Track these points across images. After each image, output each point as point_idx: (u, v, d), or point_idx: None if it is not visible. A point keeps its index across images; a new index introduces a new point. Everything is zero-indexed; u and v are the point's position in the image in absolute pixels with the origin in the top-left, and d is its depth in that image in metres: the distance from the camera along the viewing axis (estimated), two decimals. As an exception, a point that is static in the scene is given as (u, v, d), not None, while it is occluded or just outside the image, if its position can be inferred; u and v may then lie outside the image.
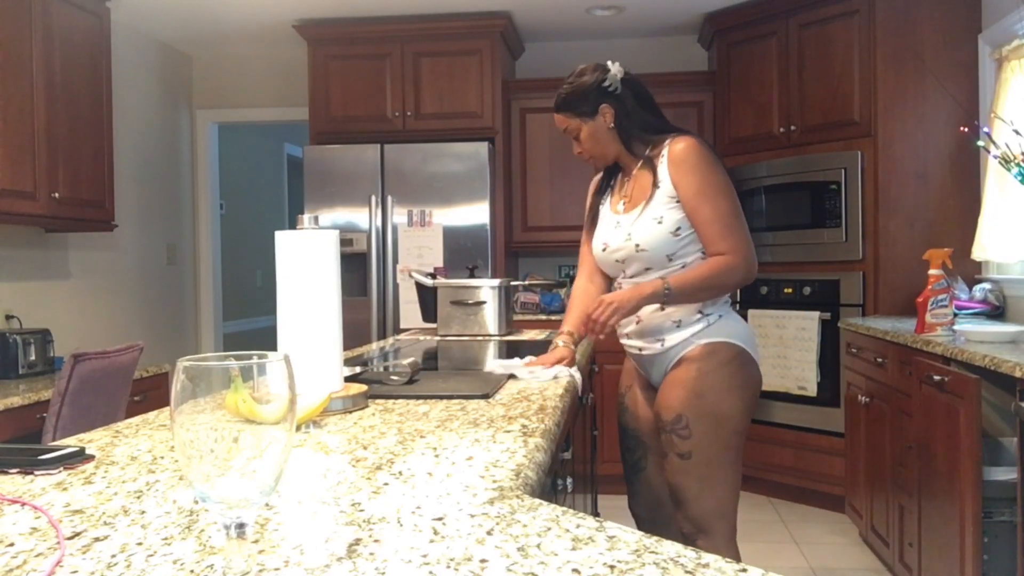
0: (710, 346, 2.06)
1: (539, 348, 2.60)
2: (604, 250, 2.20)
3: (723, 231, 2.01)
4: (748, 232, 2.06)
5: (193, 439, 0.65)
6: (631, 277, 2.15)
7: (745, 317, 4.35)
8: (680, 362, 2.09)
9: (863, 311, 3.93)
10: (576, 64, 2.26)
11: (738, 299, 4.47)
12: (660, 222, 2.06)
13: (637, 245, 2.09)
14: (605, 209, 2.25)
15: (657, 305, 2.07)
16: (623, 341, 2.25)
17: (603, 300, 2.02)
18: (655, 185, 2.08)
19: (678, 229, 2.05)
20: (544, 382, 1.89)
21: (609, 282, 2.34)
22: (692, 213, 2.03)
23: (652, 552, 0.76)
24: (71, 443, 1.25)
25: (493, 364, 2.11)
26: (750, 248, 2.04)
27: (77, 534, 0.84)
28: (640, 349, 2.19)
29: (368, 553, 0.77)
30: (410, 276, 3.33)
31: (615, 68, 2.15)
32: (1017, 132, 3.06)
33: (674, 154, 2.05)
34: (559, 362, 2.05)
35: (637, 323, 2.15)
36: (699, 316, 2.09)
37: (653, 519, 2.30)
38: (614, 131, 2.15)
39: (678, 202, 2.04)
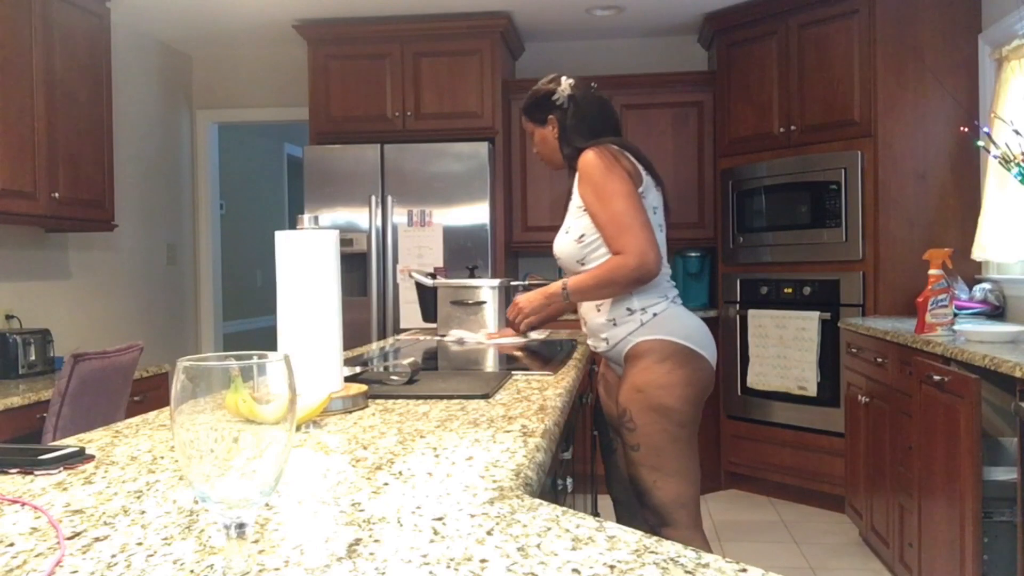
0: (645, 344, 2.18)
1: (539, 348, 2.60)
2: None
3: (615, 232, 2.12)
4: (646, 231, 2.12)
5: (193, 439, 0.65)
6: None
7: (745, 317, 4.36)
8: (626, 360, 2.23)
9: (863, 311, 3.93)
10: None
11: (738, 299, 4.47)
12: (567, 232, 2.26)
13: (556, 254, 2.32)
14: None
15: (594, 308, 2.26)
16: (587, 341, 2.43)
17: (515, 302, 2.35)
18: (572, 198, 2.27)
19: (582, 236, 2.21)
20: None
21: None
22: (593, 218, 2.18)
23: (652, 552, 0.76)
24: (71, 443, 1.25)
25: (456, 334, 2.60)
26: (645, 246, 2.10)
27: (77, 534, 0.84)
28: (595, 347, 2.35)
29: (368, 553, 0.77)
30: (410, 276, 3.33)
31: (565, 83, 2.33)
32: (1017, 132, 3.06)
33: (580, 168, 2.20)
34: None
35: (586, 324, 2.33)
36: (627, 313, 2.20)
37: (628, 500, 2.42)
38: (559, 141, 2.33)
39: (584, 211, 2.20)
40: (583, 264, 2.22)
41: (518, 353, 2.51)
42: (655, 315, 2.19)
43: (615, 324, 2.22)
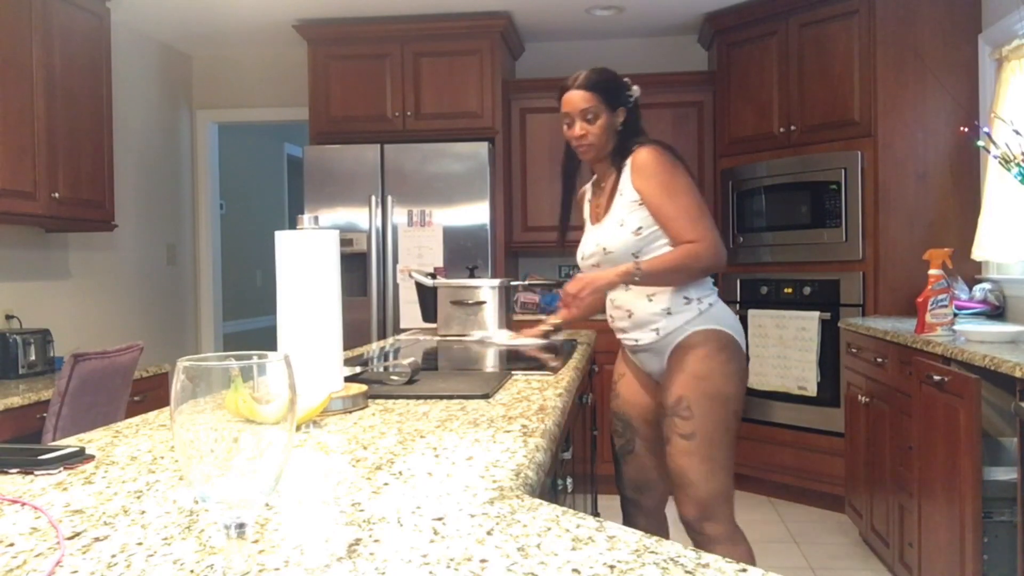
0: (705, 333, 2.21)
1: (539, 348, 2.60)
2: (582, 259, 2.38)
3: (687, 224, 2.16)
4: (713, 224, 2.21)
5: (193, 439, 0.65)
6: None
7: (745, 317, 4.36)
8: (678, 349, 2.23)
9: (863, 311, 3.93)
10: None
11: (738, 299, 4.47)
12: (622, 225, 2.23)
13: (604, 249, 2.27)
14: (587, 224, 2.44)
15: (645, 298, 2.25)
16: (620, 336, 2.38)
17: (578, 278, 2.23)
18: (618, 193, 2.26)
19: (639, 228, 2.22)
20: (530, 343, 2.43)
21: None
22: (657, 213, 2.19)
23: (652, 552, 0.76)
24: (71, 443, 1.25)
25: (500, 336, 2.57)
26: (716, 236, 2.19)
27: (77, 534, 0.84)
28: (636, 340, 2.31)
29: (368, 553, 0.77)
30: (410, 276, 3.33)
31: (636, 88, 2.35)
32: (1017, 132, 3.06)
33: (637, 164, 2.22)
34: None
35: (630, 316, 2.29)
36: (685, 302, 2.23)
37: (638, 500, 2.45)
38: (617, 134, 2.30)
39: (640, 205, 2.21)
40: (637, 257, 2.22)
41: (520, 351, 2.51)
42: (711, 305, 2.24)
43: (669, 313, 2.23)
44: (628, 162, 2.24)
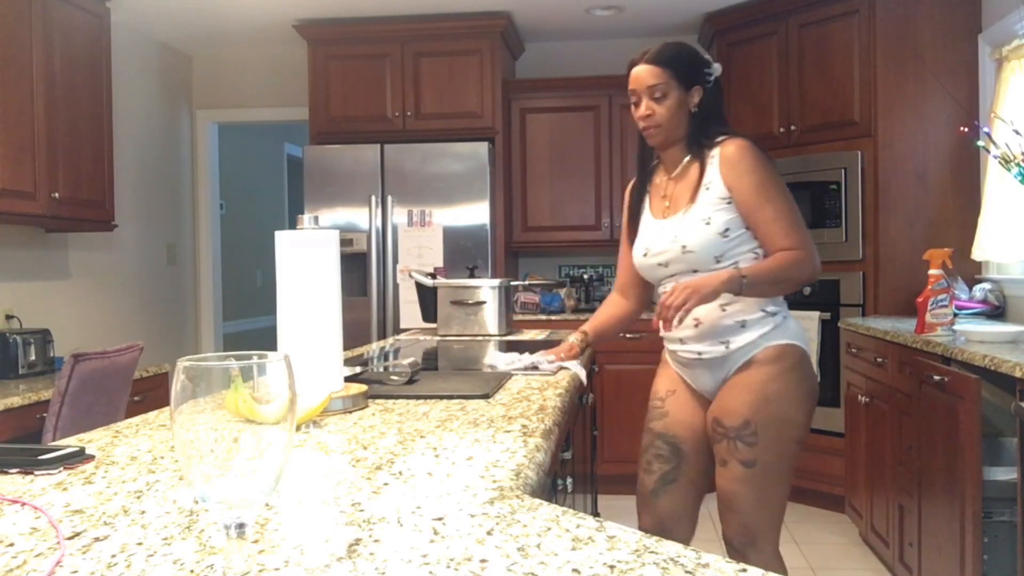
0: (778, 348, 2.00)
1: (539, 348, 2.60)
2: (645, 255, 2.12)
3: (787, 228, 1.96)
4: (808, 231, 2.02)
5: (193, 439, 0.65)
6: (673, 278, 2.07)
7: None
8: (746, 365, 2.01)
9: (863, 311, 3.92)
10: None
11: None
12: (708, 223, 1.99)
13: (684, 247, 2.01)
14: (646, 216, 2.17)
15: (717, 306, 2.00)
16: (674, 347, 2.14)
17: (680, 287, 1.88)
18: (703, 187, 2.02)
19: (727, 230, 1.99)
20: (547, 373, 1.99)
21: (643, 297, 2.31)
22: (751, 213, 1.97)
23: (652, 552, 0.76)
24: (71, 443, 1.25)
25: (494, 359, 2.15)
26: (814, 245, 2.00)
27: (77, 534, 0.84)
28: (700, 354, 2.06)
29: (368, 553, 0.77)
30: (410, 276, 3.33)
31: (717, 65, 2.11)
32: (1017, 132, 3.06)
33: (727, 156, 2.00)
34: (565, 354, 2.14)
35: (696, 326, 2.03)
36: (763, 315, 2.01)
37: (659, 533, 2.18)
38: (691, 116, 2.07)
39: (729, 203, 1.99)
40: (719, 261, 1.99)
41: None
42: (784, 318, 2.04)
43: (743, 326, 2.00)
44: (716, 153, 2.01)
